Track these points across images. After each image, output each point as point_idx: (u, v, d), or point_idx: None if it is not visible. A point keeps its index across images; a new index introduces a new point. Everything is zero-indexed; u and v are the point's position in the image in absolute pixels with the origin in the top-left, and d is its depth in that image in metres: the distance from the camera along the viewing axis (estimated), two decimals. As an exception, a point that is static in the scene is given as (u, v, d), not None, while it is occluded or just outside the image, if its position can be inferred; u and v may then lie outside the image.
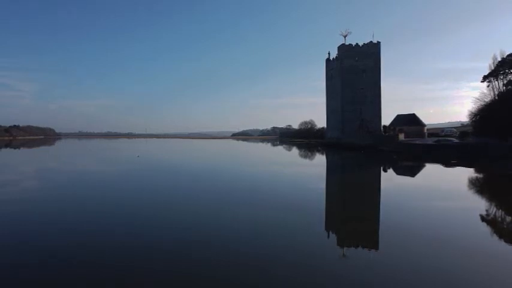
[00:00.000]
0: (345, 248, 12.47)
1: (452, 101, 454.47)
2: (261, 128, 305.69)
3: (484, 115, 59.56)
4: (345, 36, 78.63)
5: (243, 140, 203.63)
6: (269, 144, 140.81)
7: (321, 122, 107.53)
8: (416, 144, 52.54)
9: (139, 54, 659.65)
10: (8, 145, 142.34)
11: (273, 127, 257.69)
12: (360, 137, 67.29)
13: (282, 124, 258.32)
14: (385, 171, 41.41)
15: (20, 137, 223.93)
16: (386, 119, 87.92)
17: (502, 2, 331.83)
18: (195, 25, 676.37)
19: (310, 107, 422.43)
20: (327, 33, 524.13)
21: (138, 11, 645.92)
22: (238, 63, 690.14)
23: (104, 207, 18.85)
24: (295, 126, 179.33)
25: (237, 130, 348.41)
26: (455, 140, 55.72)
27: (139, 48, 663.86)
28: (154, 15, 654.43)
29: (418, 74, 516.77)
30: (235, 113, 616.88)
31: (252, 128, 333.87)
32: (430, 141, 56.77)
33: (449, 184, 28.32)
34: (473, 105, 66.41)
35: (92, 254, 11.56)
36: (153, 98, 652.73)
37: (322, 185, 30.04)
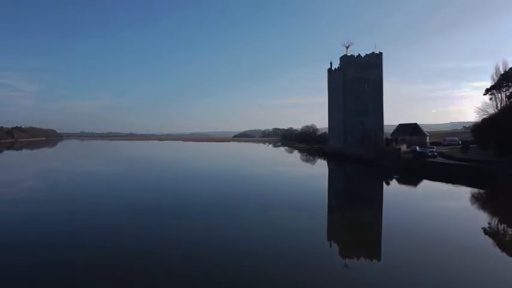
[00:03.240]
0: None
1: (454, 101, 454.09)
2: (262, 129, 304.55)
3: (486, 127, 59.34)
4: (347, 47, 78.27)
5: (245, 141, 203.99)
6: (270, 146, 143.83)
7: (322, 122, 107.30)
8: (419, 161, 52.45)
9: (140, 54, 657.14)
10: (10, 147, 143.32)
11: (275, 128, 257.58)
12: (362, 149, 67.21)
13: (283, 125, 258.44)
14: (387, 183, 42.08)
15: (22, 139, 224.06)
16: (388, 120, 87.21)
17: (502, 2, 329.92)
18: (196, 25, 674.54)
19: (312, 107, 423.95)
20: (329, 33, 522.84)
21: (139, 12, 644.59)
22: (239, 63, 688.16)
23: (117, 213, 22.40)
24: (297, 126, 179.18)
25: (238, 131, 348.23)
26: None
27: (140, 48, 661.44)
28: (155, 16, 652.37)
29: (419, 74, 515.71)
30: (237, 114, 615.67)
31: (253, 129, 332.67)
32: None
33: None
34: (476, 115, 66.33)
35: (98, 254, 14.26)
36: (154, 98, 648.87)
37: (324, 198, 31.13)
